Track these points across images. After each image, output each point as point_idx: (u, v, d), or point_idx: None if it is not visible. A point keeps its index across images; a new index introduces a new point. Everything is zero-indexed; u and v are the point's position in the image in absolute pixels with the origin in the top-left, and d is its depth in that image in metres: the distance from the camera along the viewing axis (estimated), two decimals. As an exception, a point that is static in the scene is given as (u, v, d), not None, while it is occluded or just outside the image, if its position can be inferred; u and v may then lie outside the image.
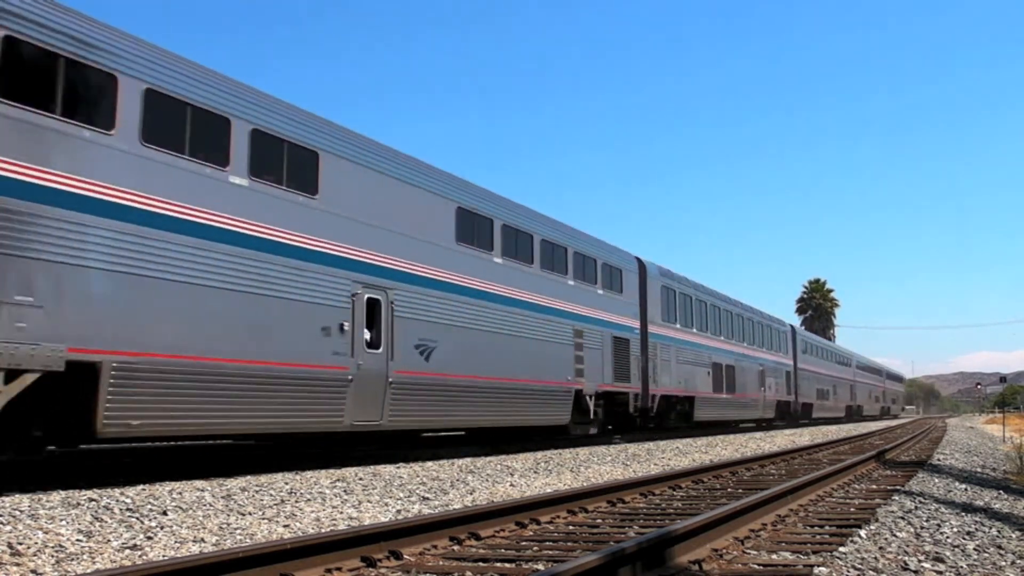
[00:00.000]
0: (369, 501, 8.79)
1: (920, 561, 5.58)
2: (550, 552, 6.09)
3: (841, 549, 5.91)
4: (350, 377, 12.46)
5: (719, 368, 29.59)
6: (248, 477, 10.52)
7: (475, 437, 19.82)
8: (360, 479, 10.63)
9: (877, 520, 7.40)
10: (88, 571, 5.30)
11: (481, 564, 5.61)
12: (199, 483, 9.60)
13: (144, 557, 5.79)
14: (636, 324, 23.26)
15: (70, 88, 9.35)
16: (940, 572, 5.32)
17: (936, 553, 5.85)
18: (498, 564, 5.61)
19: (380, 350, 13.22)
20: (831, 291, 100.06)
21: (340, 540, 5.53)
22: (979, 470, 14.15)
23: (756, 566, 5.50)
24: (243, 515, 7.53)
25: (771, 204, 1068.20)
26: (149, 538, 6.34)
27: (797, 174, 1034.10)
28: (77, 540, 6.13)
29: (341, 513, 7.97)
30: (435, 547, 6.13)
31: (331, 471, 11.64)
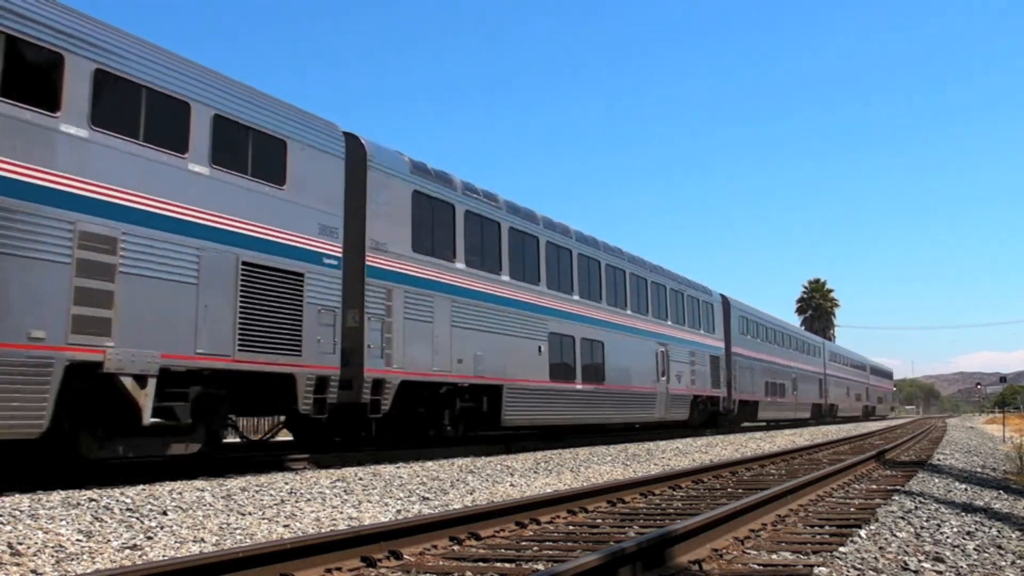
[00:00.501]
0: (369, 501, 8.79)
1: (920, 561, 5.58)
2: (550, 552, 6.09)
3: (841, 549, 5.91)
4: None
5: (568, 343, 20.01)
6: (248, 477, 10.52)
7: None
8: (360, 479, 10.63)
9: (877, 520, 7.39)
10: (88, 571, 5.30)
11: (481, 564, 5.61)
12: (199, 483, 9.60)
13: (144, 557, 5.79)
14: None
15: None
16: (940, 572, 5.31)
17: (936, 553, 5.85)
18: (498, 564, 5.61)
19: None
20: (831, 291, 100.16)
21: (340, 540, 5.53)
22: (979, 470, 14.15)
23: (756, 566, 5.50)
24: (243, 515, 7.53)
25: (771, 204, 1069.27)
26: (149, 538, 6.34)
27: (797, 174, 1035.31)
28: (77, 540, 6.12)
29: (341, 513, 7.97)
30: (435, 547, 6.13)
31: (331, 471, 11.64)
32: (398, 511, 8.22)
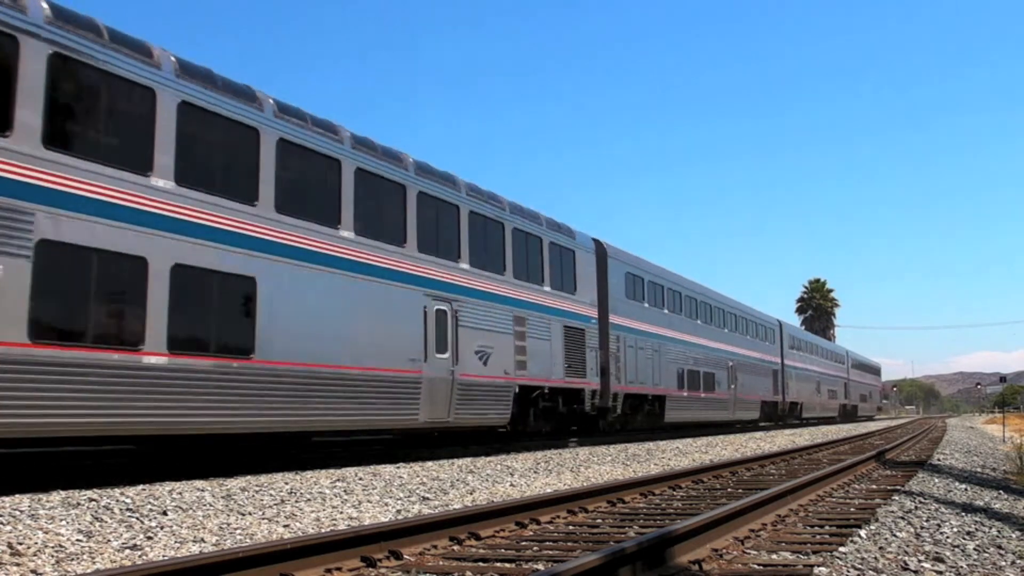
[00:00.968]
0: (369, 501, 8.79)
1: (920, 561, 5.58)
2: (550, 552, 6.09)
3: (841, 549, 5.91)
4: None
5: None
6: (248, 477, 10.52)
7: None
8: (360, 479, 10.63)
9: (877, 520, 7.39)
10: (88, 571, 5.30)
11: (481, 564, 5.61)
12: (199, 483, 9.60)
13: (144, 557, 5.79)
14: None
15: None
16: (940, 572, 5.31)
17: (936, 553, 5.85)
18: (498, 564, 5.62)
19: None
20: (831, 291, 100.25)
21: (340, 540, 5.53)
22: (979, 470, 14.15)
23: (756, 566, 5.50)
24: (243, 515, 7.53)
25: (771, 204, 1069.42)
26: (149, 538, 6.34)
27: (797, 174, 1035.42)
28: (77, 540, 6.12)
29: (341, 513, 7.97)
30: (435, 547, 6.13)
31: (331, 471, 11.64)
32: (398, 511, 8.23)
